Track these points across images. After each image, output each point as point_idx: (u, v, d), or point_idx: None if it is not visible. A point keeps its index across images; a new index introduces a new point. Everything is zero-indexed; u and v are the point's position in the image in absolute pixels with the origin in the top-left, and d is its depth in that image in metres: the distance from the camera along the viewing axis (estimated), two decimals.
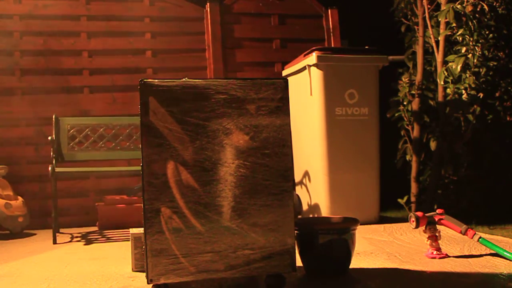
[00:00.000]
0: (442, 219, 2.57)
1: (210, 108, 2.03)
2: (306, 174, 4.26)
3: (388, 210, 4.73)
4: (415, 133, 4.62)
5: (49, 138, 3.91)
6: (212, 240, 2.00)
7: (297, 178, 4.49)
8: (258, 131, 2.05)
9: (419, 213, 2.56)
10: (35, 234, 4.20)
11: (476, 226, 3.68)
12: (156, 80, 2.01)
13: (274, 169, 2.06)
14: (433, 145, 4.58)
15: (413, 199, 4.59)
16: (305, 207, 4.33)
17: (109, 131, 4.27)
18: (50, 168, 3.59)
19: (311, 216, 4.17)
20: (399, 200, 4.66)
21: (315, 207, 4.09)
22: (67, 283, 2.37)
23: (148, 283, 1.97)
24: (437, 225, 2.58)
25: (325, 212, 3.94)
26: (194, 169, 2.00)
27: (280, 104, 2.08)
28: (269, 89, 2.08)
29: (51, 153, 3.91)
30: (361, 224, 3.82)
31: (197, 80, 2.04)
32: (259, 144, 2.05)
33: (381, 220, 4.05)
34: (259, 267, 2.04)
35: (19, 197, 4.23)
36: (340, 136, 3.95)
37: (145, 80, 2.00)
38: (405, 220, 4.04)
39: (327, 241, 2.30)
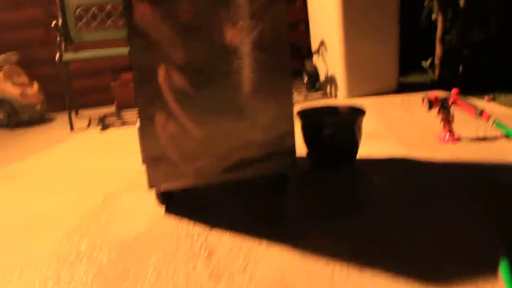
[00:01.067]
0: (456, 100, 2.43)
1: (200, 4, 1.85)
2: (323, 43, 4.06)
3: (412, 74, 4.55)
4: None
5: (53, 23, 3.76)
6: (209, 144, 1.95)
7: (314, 47, 4.30)
8: (252, 26, 1.88)
9: (432, 96, 2.42)
10: (53, 120, 4.26)
11: (499, 95, 3.51)
12: None
13: (272, 65, 1.92)
14: (462, 1, 4.23)
15: (437, 61, 4.36)
16: (322, 77, 4.19)
17: (117, 7, 4.08)
18: (57, 57, 3.50)
19: (319, 103, 4.06)
20: (423, 63, 4.46)
21: (331, 78, 3.95)
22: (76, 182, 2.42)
23: (149, 189, 1.97)
24: (451, 108, 2.45)
25: (341, 82, 3.81)
26: (187, 72, 1.89)
27: None
28: None
29: (57, 38, 3.80)
30: (378, 95, 3.75)
31: None
32: (254, 39, 1.89)
33: (401, 89, 3.90)
34: (259, 168, 2.00)
35: (34, 83, 4.21)
36: (357, 2, 3.67)
37: None
38: (427, 87, 3.88)
39: (331, 134, 2.22)
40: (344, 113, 2.42)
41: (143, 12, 1.82)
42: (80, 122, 3.91)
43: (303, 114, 2.31)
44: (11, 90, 3.96)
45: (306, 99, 4.03)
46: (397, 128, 2.83)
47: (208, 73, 1.90)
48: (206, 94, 1.91)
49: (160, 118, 1.91)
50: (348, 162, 2.30)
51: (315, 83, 4.31)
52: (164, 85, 1.89)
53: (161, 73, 1.88)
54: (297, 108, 2.18)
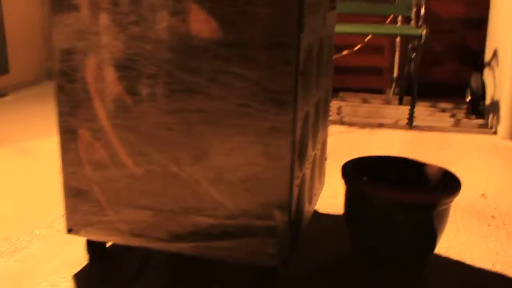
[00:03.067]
0: None
1: None
2: (496, 54, 2.90)
3: None
4: None
5: None
6: (152, 191, 1.22)
7: (487, 57, 3.15)
8: (236, 13, 1.07)
9: None
10: None
11: None
12: None
13: (260, 86, 1.09)
14: None
15: None
16: (488, 99, 3.05)
17: None
18: None
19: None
20: None
21: (495, 103, 2.81)
22: None
23: (67, 233, 1.33)
24: None
25: (505, 114, 2.66)
26: (126, 72, 1.17)
27: None
28: None
29: None
30: None
31: None
32: (233, 37, 1.08)
33: None
34: (221, 248, 1.21)
35: None
36: None
37: None
38: None
39: (390, 216, 1.31)
40: (423, 178, 1.45)
41: None
42: None
43: (353, 169, 1.41)
44: None
45: (457, 126, 2.95)
46: None
47: (158, 80, 1.14)
48: (150, 112, 1.17)
49: (84, 136, 1.22)
50: (418, 261, 1.37)
51: (478, 106, 3.16)
52: (94, 89, 1.19)
53: (90, 69, 1.18)
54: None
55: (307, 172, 1.30)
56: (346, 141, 2.57)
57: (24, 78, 3.74)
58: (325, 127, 1.56)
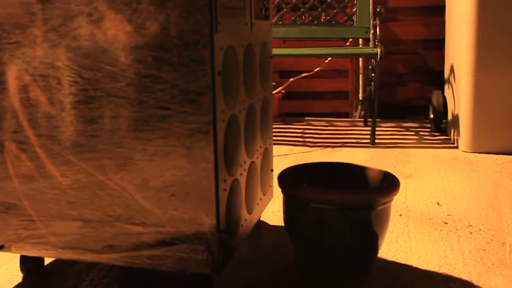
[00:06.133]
0: None
1: None
2: (452, 70, 2.95)
3: None
4: None
5: None
6: (80, 201, 1.20)
7: (446, 74, 3.20)
8: (149, 15, 1.08)
9: None
10: None
11: None
12: None
13: (179, 88, 1.09)
14: None
15: None
16: (450, 114, 3.09)
17: None
18: None
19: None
20: None
21: (455, 118, 2.84)
22: None
23: None
24: None
25: (465, 127, 2.69)
26: (46, 81, 1.16)
27: None
28: None
29: None
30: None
31: None
32: (150, 39, 1.09)
33: None
34: (152, 257, 1.18)
35: None
36: (495, 22, 2.52)
37: None
38: None
39: (326, 220, 1.29)
40: (363, 182, 1.45)
41: None
42: None
43: (290, 176, 1.40)
44: None
45: (419, 142, 2.97)
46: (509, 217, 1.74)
47: (78, 87, 1.14)
48: (73, 121, 1.16)
49: (10, 148, 1.21)
50: (360, 272, 1.35)
51: (440, 123, 3.20)
52: (17, 100, 1.18)
53: (12, 79, 1.18)
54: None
55: (241, 178, 1.29)
56: (306, 160, 2.57)
57: None
58: (267, 137, 1.56)
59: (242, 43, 1.27)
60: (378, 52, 2.70)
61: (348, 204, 1.28)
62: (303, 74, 3.58)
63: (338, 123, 3.56)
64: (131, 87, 1.10)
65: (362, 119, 3.63)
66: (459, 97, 2.73)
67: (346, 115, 3.81)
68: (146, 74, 1.09)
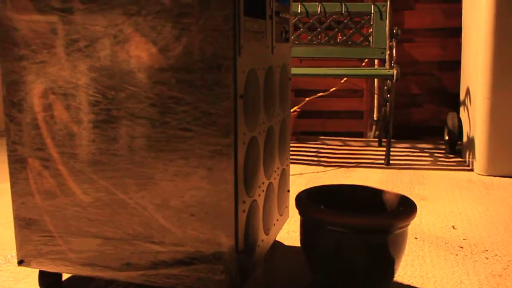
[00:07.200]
0: None
1: None
2: (468, 93, 2.95)
3: None
4: None
5: None
6: (100, 219, 1.22)
7: (462, 96, 3.20)
8: (174, 39, 1.10)
9: None
10: None
11: None
12: None
13: (201, 110, 1.11)
14: None
15: None
16: (465, 137, 3.08)
17: None
18: None
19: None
20: None
21: (471, 141, 2.83)
22: None
23: (18, 265, 1.31)
24: None
25: (480, 151, 2.68)
26: (70, 100, 1.19)
27: None
28: None
29: None
30: None
31: None
32: (174, 62, 1.11)
33: None
34: (170, 276, 1.19)
35: None
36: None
37: None
38: None
39: (343, 243, 1.30)
40: (380, 205, 1.45)
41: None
42: None
43: (307, 198, 1.41)
44: None
45: (434, 164, 2.96)
46: None
47: (101, 106, 1.16)
48: (96, 140, 1.18)
49: (33, 165, 1.23)
50: None
51: (455, 145, 3.18)
52: (41, 118, 1.21)
53: (37, 98, 1.20)
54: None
55: (259, 199, 1.30)
56: (320, 180, 2.57)
57: None
58: (284, 158, 1.57)
59: (264, 66, 1.29)
60: (394, 73, 2.71)
61: (365, 228, 1.28)
62: (319, 94, 3.60)
63: (352, 143, 3.56)
64: (153, 108, 1.12)
65: (377, 139, 3.62)
66: (475, 120, 2.73)
67: (361, 134, 3.81)
68: (169, 96, 1.11)
